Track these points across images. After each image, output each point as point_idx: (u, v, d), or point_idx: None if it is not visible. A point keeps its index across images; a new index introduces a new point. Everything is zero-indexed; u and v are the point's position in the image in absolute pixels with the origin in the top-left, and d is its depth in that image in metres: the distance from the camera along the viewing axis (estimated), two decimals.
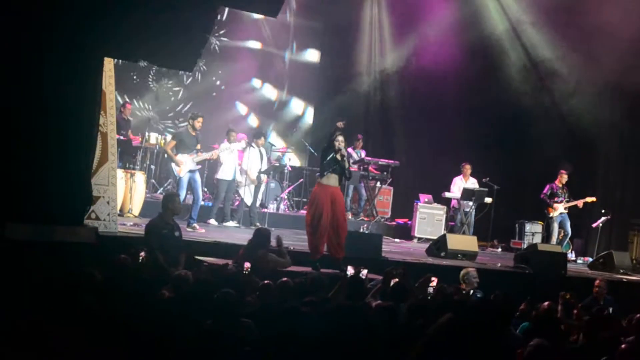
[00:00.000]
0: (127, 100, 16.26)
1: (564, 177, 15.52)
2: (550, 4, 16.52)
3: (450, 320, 5.38)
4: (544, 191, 15.53)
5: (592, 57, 15.88)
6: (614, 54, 15.67)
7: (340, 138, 10.42)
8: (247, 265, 8.14)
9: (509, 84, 17.22)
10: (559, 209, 15.41)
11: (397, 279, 8.17)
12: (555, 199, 15.43)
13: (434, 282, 8.25)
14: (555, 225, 15.47)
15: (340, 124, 10.72)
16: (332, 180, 10.40)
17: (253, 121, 18.97)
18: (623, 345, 6.01)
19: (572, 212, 15.63)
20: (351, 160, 15.69)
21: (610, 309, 8.88)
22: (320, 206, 10.27)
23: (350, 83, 18.98)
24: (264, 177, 14.76)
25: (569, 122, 16.62)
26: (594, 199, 15.74)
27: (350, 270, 8.41)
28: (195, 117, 13.06)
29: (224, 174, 13.92)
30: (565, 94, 16.82)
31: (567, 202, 15.45)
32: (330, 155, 10.33)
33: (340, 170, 10.39)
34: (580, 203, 15.56)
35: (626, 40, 15.37)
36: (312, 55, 19.98)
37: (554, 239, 15.40)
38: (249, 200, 14.40)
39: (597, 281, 10.34)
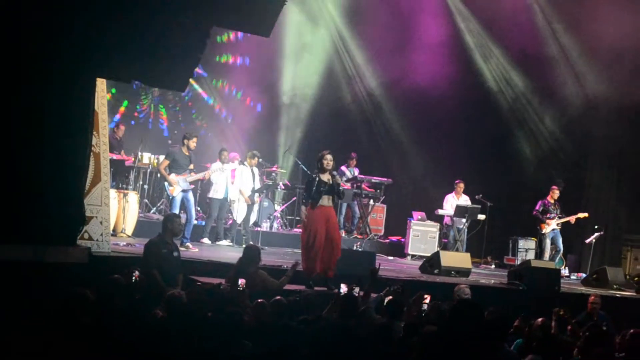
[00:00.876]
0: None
1: (555, 193, 15.56)
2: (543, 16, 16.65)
3: (434, 332, 5.40)
4: (537, 207, 15.57)
5: (584, 74, 15.98)
6: (607, 69, 15.77)
7: (329, 157, 10.45)
8: (242, 282, 8.14)
9: (502, 102, 17.33)
10: (552, 225, 15.44)
11: (391, 297, 8.20)
12: (548, 215, 15.46)
13: (427, 299, 8.27)
14: (548, 242, 15.50)
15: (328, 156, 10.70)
16: (324, 200, 10.42)
17: (246, 140, 18.97)
18: None
19: (565, 228, 15.66)
20: (344, 178, 15.75)
21: (604, 325, 8.87)
22: (315, 226, 10.27)
23: (343, 101, 19.05)
24: (256, 196, 14.77)
25: (562, 138, 16.69)
26: (586, 214, 15.78)
27: (343, 288, 8.42)
28: (190, 137, 13.04)
29: (216, 193, 13.94)
30: (558, 110, 16.90)
31: (560, 218, 15.49)
32: (317, 181, 10.34)
33: (329, 191, 10.39)
34: (572, 219, 15.60)
35: (618, 55, 15.47)
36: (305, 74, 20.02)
37: (547, 255, 15.42)
38: (240, 219, 14.38)
39: (592, 297, 10.33)
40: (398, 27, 17.98)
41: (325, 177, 10.39)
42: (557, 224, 15.49)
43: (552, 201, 15.56)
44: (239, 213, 14.35)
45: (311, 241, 10.27)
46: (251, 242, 13.73)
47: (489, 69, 17.77)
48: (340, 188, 10.50)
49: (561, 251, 15.58)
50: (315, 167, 10.62)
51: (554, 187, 15.65)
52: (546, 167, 16.99)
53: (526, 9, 16.81)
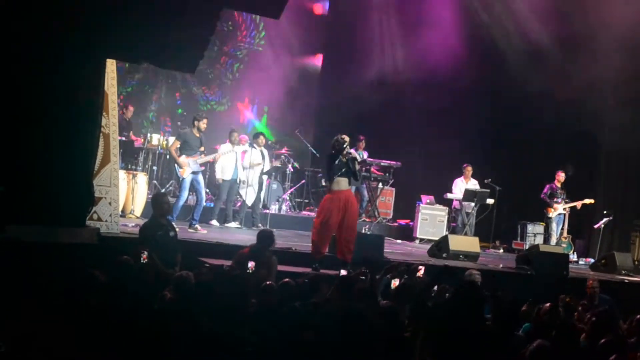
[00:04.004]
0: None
1: (561, 176, 15.56)
2: (548, 5, 16.55)
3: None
4: (544, 191, 15.56)
5: (594, 58, 15.87)
6: (617, 54, 15.66)
7: (347, 139, 10.46)
8: (252, 264, 8.15)
9: (511, 86, 17.23)
10: (559, 210, 15.44)
11: (397, 279, 8.22)
12: (555, 199, 15.45)
13: (421, 270, 8.49)
14: (554, 226, 15.51)
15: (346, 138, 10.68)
16: (342, 184, 10.38)
17: (255, 122, 18.97)
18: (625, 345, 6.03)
19: (574, 213, 15.65)
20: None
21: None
22: (329, 214, 10.24)
23: (352, 84, 18.98)
24: (265, 178, 14.76)
25: (571, 122, 16.61)
26: (592, 201, 15.74)
27: (343, 273, 8.48)
28: (201, 119, 13.01)
29: (224, 174, 13.95)
30: (567, 94, 16.80)
31: (566, 202, 15.47)
32: (338, 160, 10.33)
33: (348, 173, 10.38)
34: (579, 204, 15.58)
35: (629, 39, 15.37)
36: (314, 58, 19.98)
37: (554, 239, 15.42)
38: (249, 201, 14.40)
39: (590, 281, 10.28)
40: (408, 10, 17.90)
41: (344, 159, 10.39)
42: (564, 209, 15.48)
43: (559, 185, 15.55)
44: (248, 195, 14.36)
45: (323, 225, 10.27)
46: (260, 225, 13.78)
47: (501, 51, 17.65)
48: (356, 173, 10.50)
49: (557, 235, 15.53)
50: (333, 150, 10.57)
51: (560, 171, 15.65)
52: (556, 152, 16.90)
53: None
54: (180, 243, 9.67)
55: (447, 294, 8.03)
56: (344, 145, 10.36)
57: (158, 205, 9.43)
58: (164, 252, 8.91)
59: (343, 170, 10.33)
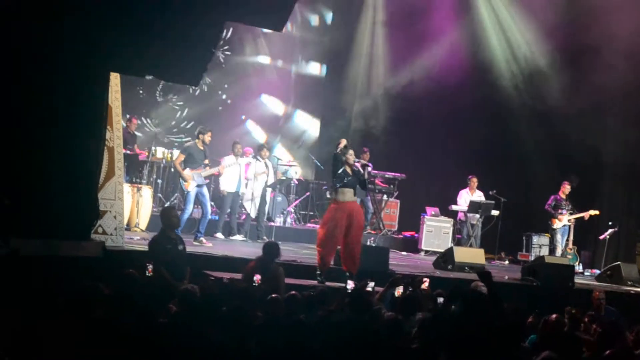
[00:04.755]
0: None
1: (566, 188, 15.51)
2: (551, 19, 16.57)
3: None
4: (549, 202, 15.51)
5: (598, 71, 15.88)
6: (621, 66, 15.68)
7: (351, 151, 10.47)
8: (258, 277, 8.14)
9: (515, 98, 17.27)
10: (563, 221, 15.39)
11: (401, 286, 8.23)
12: (560, 211, 15.41)
13: (426, 282, 8.62)
14: (559, 237, 15.45)
15: (343, 142, 10.71)
16: (347, 195, 10.38)
17: (259, 135, 18.99)
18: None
19: (579, 224, 15.59)
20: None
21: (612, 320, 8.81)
22: (335, 224, 10.23)
23: (357, 96, 19.01)
24: (269, 190, 14.77)
25: (576, 134, 16.59)
26: (597, 212, 15.68)
27: (350, 285, 8.48)
28: (205, 132, 13.04)
29: (227, 186, 13.96)
30: (570, 105, 16.81)
31: (571, 214, 15.43)
32: (342, 169, 10.33)
33: (353, 183, 10.37)
34: (586, 215, 15.52)
35: (633, 52, 15.39)
36: (318, 69, 20.03)
37: (560, 251, 15.37)
38: (253, 213, 14.39)
39: (596, 293, 10.24)
40: (412, 24, 17.95)
41: (349, 169, 10.39)
42: (569, 220, 15.44)
43: (564, 197, 15.51)
44: (252, 208, 14.36)
45: (328, 237, 10.24)
46: (265, 237, 13.75)
47: (505, 63, 17.68)
48: (365, 176, 10.49)
49: (563, 247, 15.49)
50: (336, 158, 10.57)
51: (565, 182, 15.61)
52: (561, 163, 16.88)
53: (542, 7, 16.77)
54: (189, 257, 9.66)
55: (452, 307, 8.02)
56: (340, 148, 10.40)
57: (167, 218, 9.42)
58: (174, 265, 8.89)
59: (346, 180, 10.32)
